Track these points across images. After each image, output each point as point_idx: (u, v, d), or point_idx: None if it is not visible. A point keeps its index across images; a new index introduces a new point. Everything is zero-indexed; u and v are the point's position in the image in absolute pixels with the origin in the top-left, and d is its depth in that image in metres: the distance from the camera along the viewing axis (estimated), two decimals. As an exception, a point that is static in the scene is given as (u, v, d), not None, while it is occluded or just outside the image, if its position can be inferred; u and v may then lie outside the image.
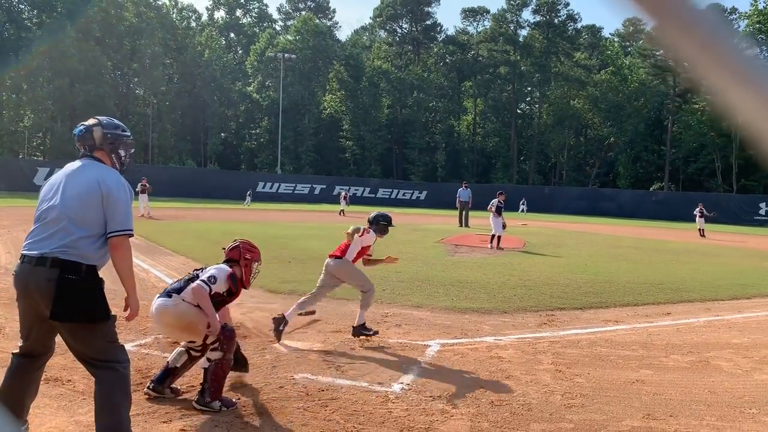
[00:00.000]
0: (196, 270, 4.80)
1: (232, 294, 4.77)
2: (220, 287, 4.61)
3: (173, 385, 4.71)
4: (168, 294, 4.56)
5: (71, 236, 3.58)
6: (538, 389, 5.15)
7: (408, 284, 10.36)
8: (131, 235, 3.74)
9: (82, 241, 3.59)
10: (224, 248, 5.06)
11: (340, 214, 34.42)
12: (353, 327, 6.55)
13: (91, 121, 3.99)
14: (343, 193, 38.14)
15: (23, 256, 3.66)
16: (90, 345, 3.66)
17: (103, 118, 4.02)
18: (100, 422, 3.66)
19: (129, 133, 4.10)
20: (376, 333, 6.59)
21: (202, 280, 4.52)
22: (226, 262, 4.88)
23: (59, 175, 3.86)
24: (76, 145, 3.98)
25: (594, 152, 73.28)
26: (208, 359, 4.49)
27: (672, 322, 8.31)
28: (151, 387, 4.59)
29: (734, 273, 14.17)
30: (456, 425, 4.31)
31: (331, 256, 6.68)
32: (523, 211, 47.17)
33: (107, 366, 3.64)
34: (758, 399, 5.12)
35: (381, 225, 6.92)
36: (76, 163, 3.88)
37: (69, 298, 3.50)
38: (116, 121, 4.07)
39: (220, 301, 4.68)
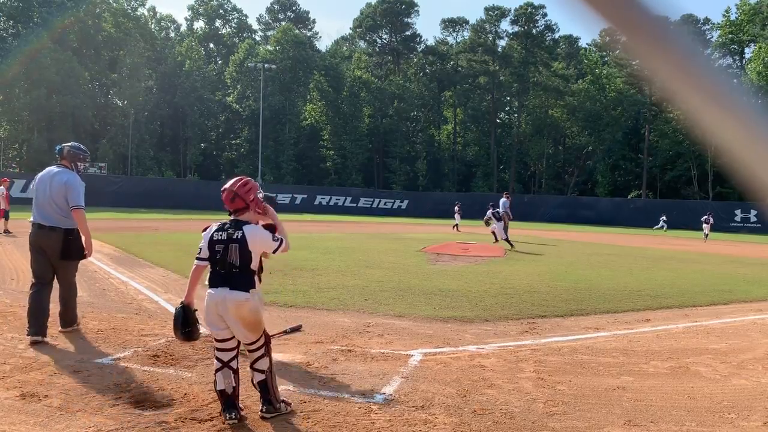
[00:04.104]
0: (220, 244, 4.39)
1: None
2: (272, 241, 4.52)
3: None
4: (244, 288, 4.34)
5: (61, 214, 6.56)
6: (520, 397, 5.16)
7: (390, 293, 10.34)
8: (82, 208, 6.61)
9: (65, 216, 6.58)
10: (227, 209, 4.61)
11: (454, 228, 31.48)
12: None
13: (65, 144, 7.01)
14: (456, 207, 33.58)
15: (39, 225, 6.56)
16: (69, 271, 6.86)
17: (73, 143, 7.07)
18: (67, 315, 6.86)
19: (87, 152, 7.15)
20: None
21: (274, 251, 4.56)
22: (233, 213, 4.55)
23: (45, 175, 6.73)
24: (56, 156, 6.89)
25: (573, 161, 74.08)
26: (259, 371, 4.49)
27: (651, 329, 8.40)
28: (233, 416, 4.34)
29: (712, 279, 14.36)
30: (439, 435, 4.29)
31: None
32: (663, 227, 43.72)
33: (73, 281, 6.94)
34: (737, 404, 5.18)
35: None
36: (54, 169, 6.79)
37: (71, 248, 6.65)
38: (80, 145, 7.11)
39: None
